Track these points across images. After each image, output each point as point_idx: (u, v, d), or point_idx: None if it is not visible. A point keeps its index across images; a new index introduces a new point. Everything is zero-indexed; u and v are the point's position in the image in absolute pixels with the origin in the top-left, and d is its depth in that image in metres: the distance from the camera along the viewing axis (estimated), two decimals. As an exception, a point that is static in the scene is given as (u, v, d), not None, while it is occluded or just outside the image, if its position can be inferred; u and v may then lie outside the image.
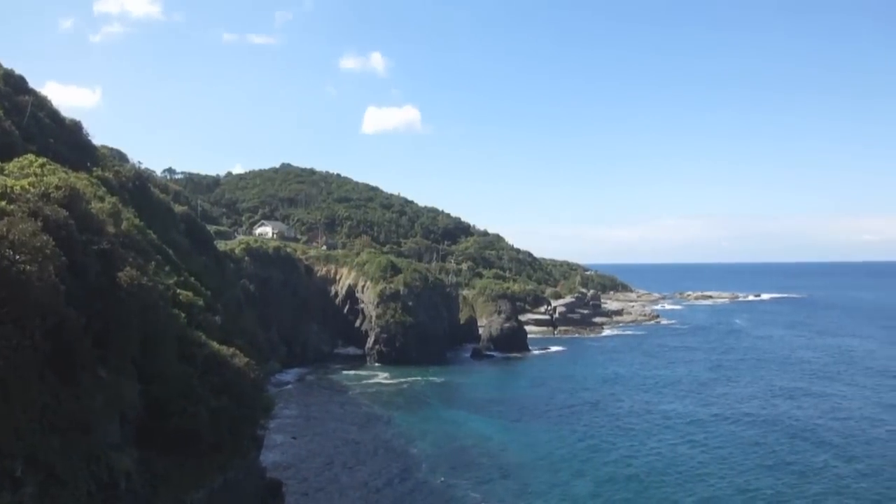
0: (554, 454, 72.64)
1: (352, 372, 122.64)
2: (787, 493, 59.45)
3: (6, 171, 33.12)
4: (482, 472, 66.02)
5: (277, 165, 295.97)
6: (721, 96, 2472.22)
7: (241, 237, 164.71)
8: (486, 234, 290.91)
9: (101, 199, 39.44)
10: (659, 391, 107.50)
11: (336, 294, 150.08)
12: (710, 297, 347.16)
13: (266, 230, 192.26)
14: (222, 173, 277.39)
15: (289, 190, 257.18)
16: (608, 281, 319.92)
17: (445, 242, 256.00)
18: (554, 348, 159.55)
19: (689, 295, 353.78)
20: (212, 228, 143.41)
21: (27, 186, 27.48)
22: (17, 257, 21.26)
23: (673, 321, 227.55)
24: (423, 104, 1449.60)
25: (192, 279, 51.90)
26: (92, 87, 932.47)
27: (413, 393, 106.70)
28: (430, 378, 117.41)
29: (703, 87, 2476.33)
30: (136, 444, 28.44)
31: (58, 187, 29.08)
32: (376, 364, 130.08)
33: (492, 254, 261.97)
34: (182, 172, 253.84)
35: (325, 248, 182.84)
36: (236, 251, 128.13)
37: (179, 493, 30.63)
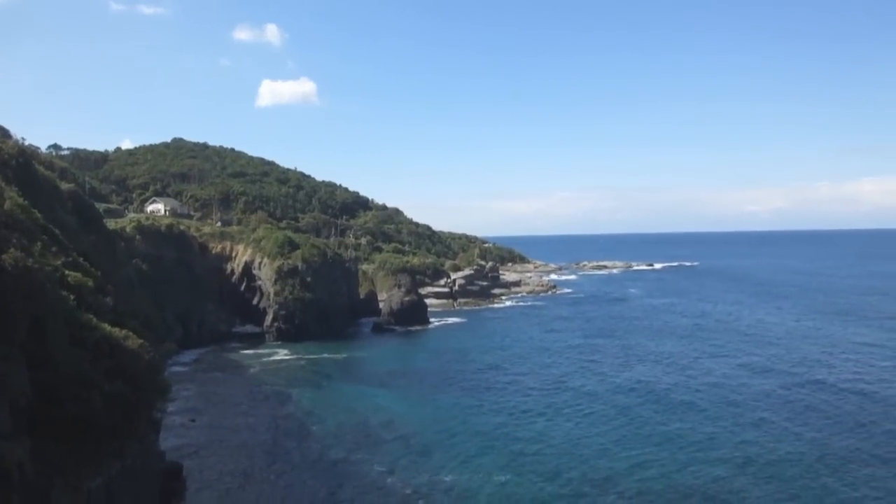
0: (457, 426, 73.82)
1: (251, 351, 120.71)
2: (667, 461, 62.43)
3: None
4: (387, 447, 66.50)
5: (169, 140, 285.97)
6: (614, 70, 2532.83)
7: (131, 215, 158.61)
8: (384, 208, 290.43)
9: (-20, 178, 37.47)
10: (556, 361, 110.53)
11: (232, 272, 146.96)
12: (605, 266, 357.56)
13: (158, 207, 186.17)
14: (111, 149, 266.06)
15: (181, 165, 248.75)
16: (506, 253, 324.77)
17: (344, 217, 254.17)
18: (454, 320, 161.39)
19: (584, 265, 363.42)
20: (101, 206, 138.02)
21: None
22: None
23: (569, 290, 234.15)
24: (320, 77, 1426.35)
25: (81, 260, 50.02)
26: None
27: (314, 370, 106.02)
28: (331, 354, 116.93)
29: (596, 58, 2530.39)
30: (29, 433, 27.40)
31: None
32: (276, 342, 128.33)
33: (391, 228, 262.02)
34: (68, 148, 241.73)
35: (219, 224, 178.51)
36: (127, 229, 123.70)
37: (76, 481, 29.75)
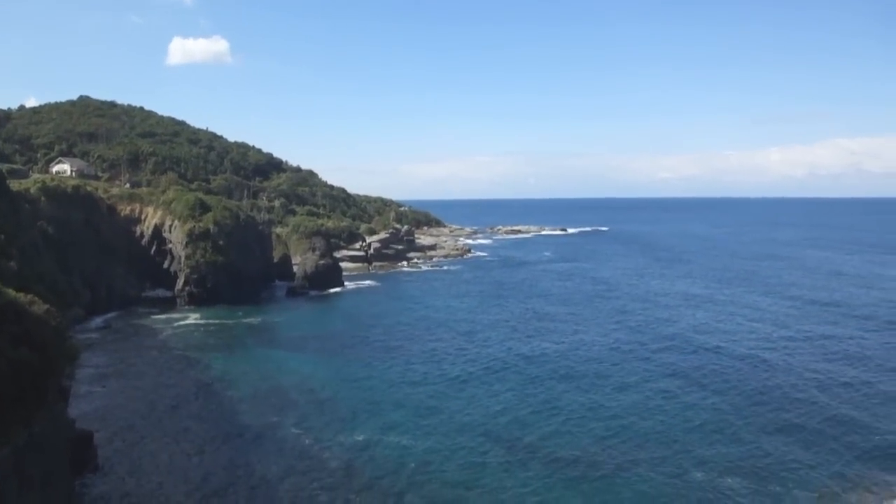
0: (372, 387, 74.76)
1: (162, 315, 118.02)
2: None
3: None
4: (302, 410, 66.72)
5: (75, 98, 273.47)
6: (533, 37, 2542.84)
7: (36, 176, 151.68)
8: (298, 170, 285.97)
9: None
10: (469, 324, 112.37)
11: (142, 234, 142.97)
12: (520, 231, 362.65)
13: (64, 168, 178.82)
14: (14, 107, 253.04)
15: (88, 124, 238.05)
16: (422, 216, 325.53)
17: (257, 179, 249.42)
18: (369, 283, 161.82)
19: (499, 229, 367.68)
20: (3, 167, 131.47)
21: None
22: None
23: (484, 254, 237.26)
24: (234, 36, 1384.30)
25: (-19, 223, 48.07)
26: None
27: (228, 334, 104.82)
28: (245, 318, 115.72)
29: (516, 26, 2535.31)
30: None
31: None
32: (188, 306, 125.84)
33: (305, 190, 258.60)
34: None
35: (128, 186, 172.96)
36: (31, 191, 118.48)
37: (-19, 451, 29.02)
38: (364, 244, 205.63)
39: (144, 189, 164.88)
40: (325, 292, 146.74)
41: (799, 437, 58.39)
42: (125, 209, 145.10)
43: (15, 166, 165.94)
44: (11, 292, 37.42)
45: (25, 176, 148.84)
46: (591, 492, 48.56)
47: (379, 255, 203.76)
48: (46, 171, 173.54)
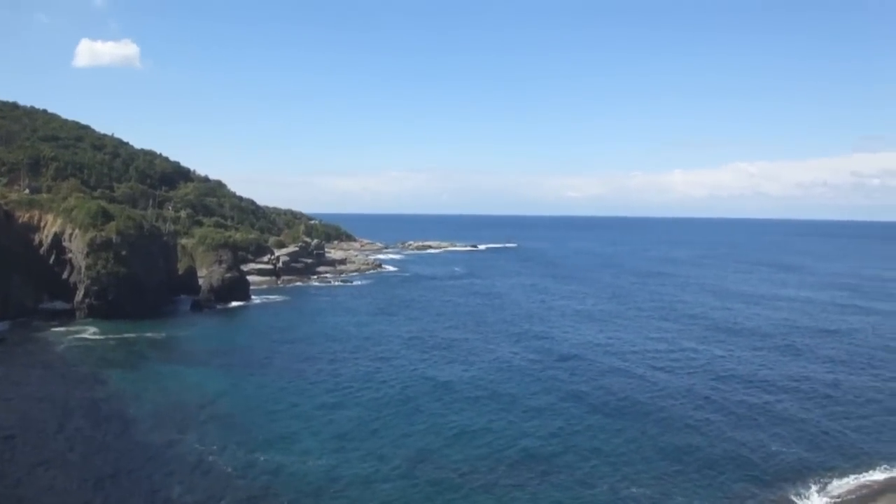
0: (276, 405, 74.66)
1: (60, 328, 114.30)
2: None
3: None
4: (206, 427, 66.31)
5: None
6: (449, 61, 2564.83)
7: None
8: (207, 180, 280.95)
9: None
10: (377, 340, 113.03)
11: (41, 243, 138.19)
12: (430, 246, 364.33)
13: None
14: None
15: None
16: (332, 230, 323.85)
17: (163, 188, 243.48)
18: (277, 298, 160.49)
19: (410, 244, 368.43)
20: None
21: None
22: None
23: (394, 269, 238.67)
24: (144, 40, 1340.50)
25: None
26: None
27: (129, 349, 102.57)
28: (147, 333, 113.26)
29: (434, 36, 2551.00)
30: None
31: None
32: (87, 319, 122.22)
33: (213, 201, 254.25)
34: None
35: (27, 191, 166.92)
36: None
37: None
38: (273, 257, 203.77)
39: (45, 195, 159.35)
40: (231, 306, 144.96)
41: (689, 458, 61.19)
42: (24, 216, 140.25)
43: None
44: None
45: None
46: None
47: (288, 269, 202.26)
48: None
